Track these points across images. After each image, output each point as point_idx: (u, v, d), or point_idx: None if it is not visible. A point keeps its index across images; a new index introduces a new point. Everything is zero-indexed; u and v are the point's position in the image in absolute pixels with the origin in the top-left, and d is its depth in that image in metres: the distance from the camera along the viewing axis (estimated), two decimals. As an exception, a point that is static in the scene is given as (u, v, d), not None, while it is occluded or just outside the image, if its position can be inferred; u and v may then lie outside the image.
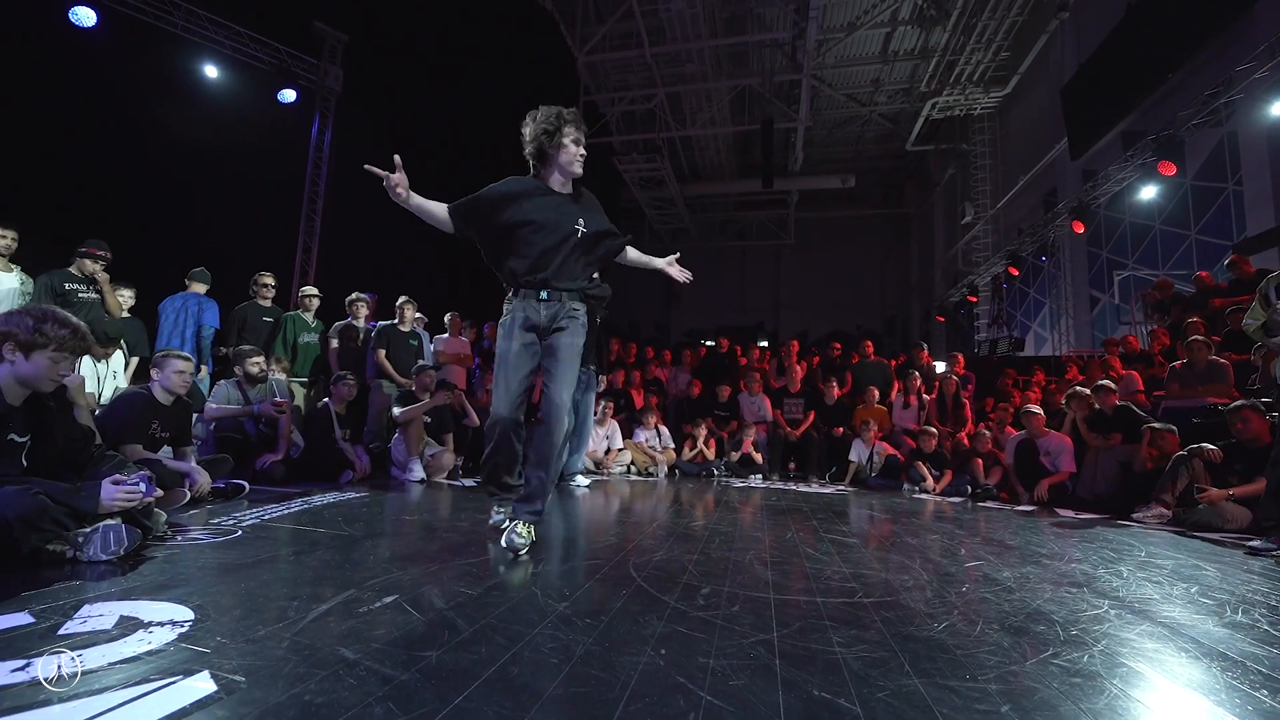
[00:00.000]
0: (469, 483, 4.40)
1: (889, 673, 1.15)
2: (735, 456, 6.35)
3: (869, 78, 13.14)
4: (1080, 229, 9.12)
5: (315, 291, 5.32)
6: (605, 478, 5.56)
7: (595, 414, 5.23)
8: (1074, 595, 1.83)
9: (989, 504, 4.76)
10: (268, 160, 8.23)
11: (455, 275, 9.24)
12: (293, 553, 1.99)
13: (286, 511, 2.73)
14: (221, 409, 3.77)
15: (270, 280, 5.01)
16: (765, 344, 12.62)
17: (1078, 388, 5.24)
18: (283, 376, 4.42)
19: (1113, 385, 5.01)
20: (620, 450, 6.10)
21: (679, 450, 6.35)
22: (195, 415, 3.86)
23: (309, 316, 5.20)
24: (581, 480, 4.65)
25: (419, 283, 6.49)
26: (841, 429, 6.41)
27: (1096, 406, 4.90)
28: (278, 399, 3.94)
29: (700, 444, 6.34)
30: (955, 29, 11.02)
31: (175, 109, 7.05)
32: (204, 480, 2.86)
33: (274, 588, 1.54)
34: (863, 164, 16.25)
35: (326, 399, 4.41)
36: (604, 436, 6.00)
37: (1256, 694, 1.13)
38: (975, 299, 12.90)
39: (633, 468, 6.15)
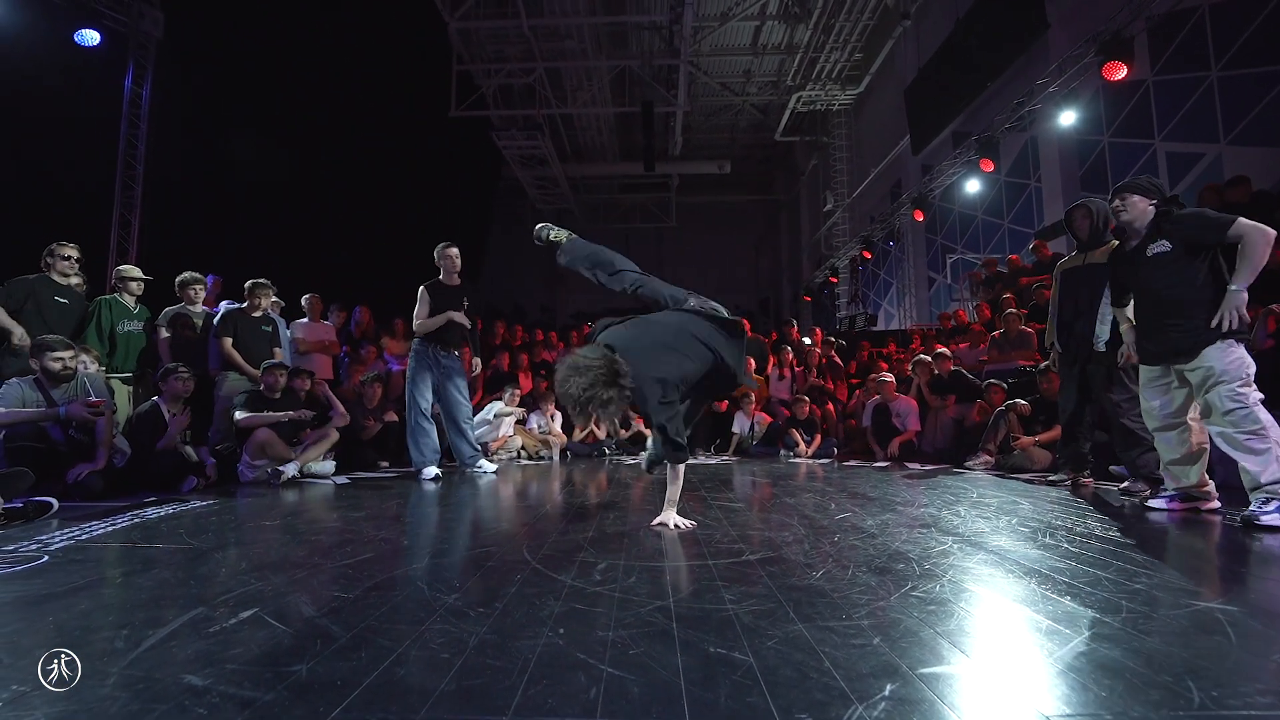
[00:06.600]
0: (341, 480, 4.04)
1: (776, 621, 1.23)
2: (626, 435, 6.45)
3: (741, 68, 13.71)
4: (920, 217, 10.29)
5: (138, 273, 4.51)
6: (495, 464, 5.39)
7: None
8: (925, 535, 2.08)
9: (852, 462, 5.27)
10: (64, 117, 6.80)
11: (314, 254, 8.31)
12: (121, 574, 1.69)
13: (112, 529, 2.33)
14: (13, 413, 3.10)
15: (72, 253, 4.03)
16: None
17: (920, 356, 5.94)
18: (95, 369, 3.72)
19: (948, 353, 5.75)
20: (510, 436, 5.93)
21: (569, 432, 6.31)
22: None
23: (130, 301, 4.42)
24: (487, 465, 4.50)
25: (269, 262, 5.72)
26: (725, 403, 6.74)
27: (936, 372, 5.60)
28: (93, 398, 3.32)
29: (590, 424, 6.34)
30: (816, 28, 11.81)
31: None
32: (-11, 501, 2.34)
33: (95, 618, 1.30)
34: (737, 151, 17.00)
35: (156, 397, 3.80)
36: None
37: (1061, 599, 1.36)
38: (836, 279, 14.14)
39: (523, 452, 6.02)
